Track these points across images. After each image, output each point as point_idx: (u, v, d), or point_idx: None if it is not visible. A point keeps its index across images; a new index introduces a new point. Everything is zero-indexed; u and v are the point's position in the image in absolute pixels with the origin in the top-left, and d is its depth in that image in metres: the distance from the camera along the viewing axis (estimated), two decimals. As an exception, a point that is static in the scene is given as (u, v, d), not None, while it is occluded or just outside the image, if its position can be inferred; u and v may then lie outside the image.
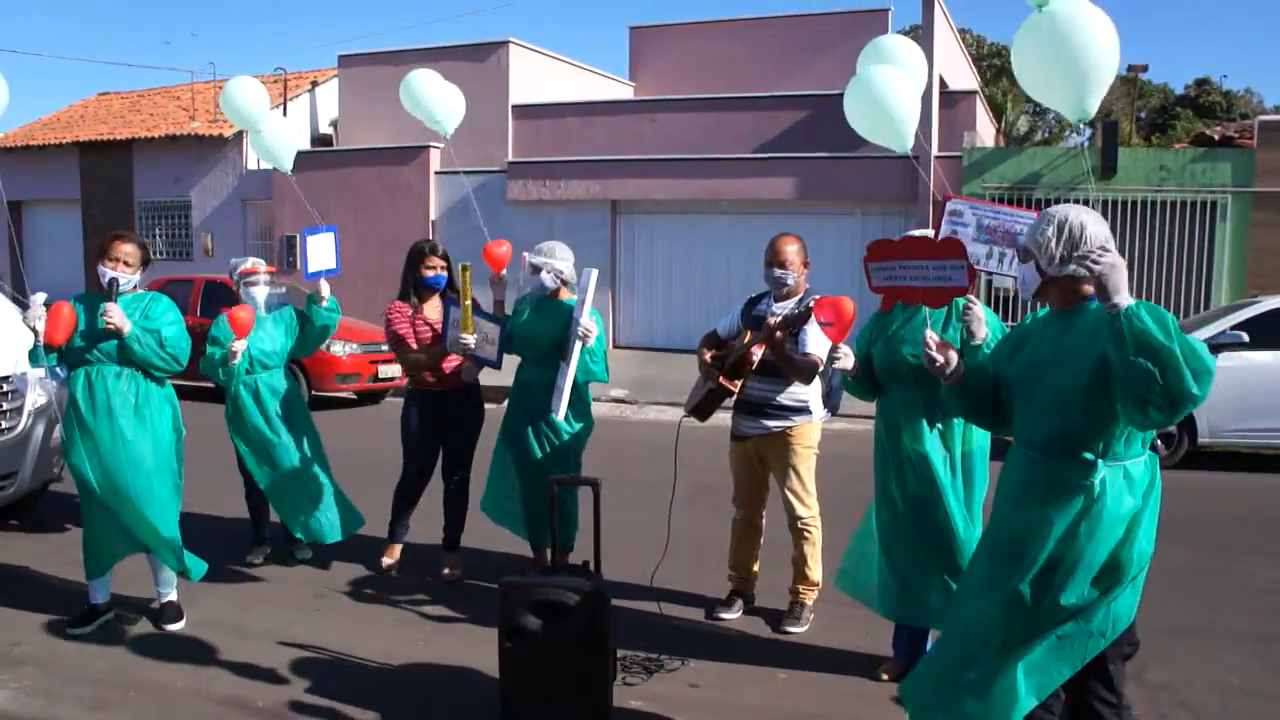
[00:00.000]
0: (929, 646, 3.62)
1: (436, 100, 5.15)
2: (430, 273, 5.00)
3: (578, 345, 4.46)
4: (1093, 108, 3.03)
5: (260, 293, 5.08)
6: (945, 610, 3.31)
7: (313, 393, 10.38)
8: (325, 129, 18.86)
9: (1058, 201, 9.18)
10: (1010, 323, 8.47)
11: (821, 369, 4.09)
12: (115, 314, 4.04)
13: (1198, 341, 2.29)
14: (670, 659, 3.99)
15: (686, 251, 15.01)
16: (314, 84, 18.75)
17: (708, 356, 4.35)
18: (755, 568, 4.57)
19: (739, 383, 4.23)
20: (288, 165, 5.14)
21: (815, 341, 4.02)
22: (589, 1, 75.97)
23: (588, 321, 4.45)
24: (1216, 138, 13.87)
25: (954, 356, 2.84)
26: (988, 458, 3.72)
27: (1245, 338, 8.01)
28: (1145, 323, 2.25)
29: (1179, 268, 12.64)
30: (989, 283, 10.65)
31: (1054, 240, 2.54)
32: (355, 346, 10.82)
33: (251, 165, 17.44)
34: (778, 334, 3.90)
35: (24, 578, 5.01)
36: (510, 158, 15.98)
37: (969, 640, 2.65)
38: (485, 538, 5.33)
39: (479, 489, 5.06)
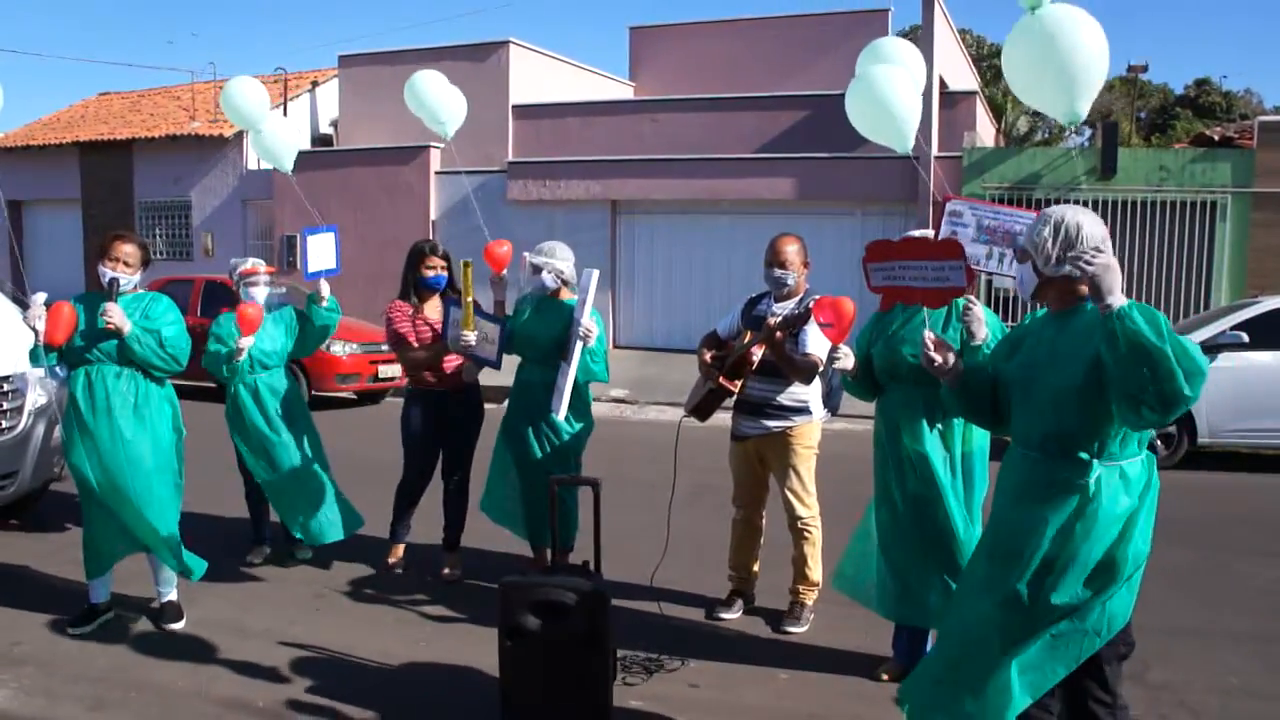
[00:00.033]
0: (929, 646, 3.63)
1: (441, 101, 5.17)
2: (430, 273, 5.00)
3: (579, 345, 4.46)
4: (1083, 111, 3.04)
5: (260, 293, 5.07)
6: (945, 610, 3.31)
7: (313, 393, 10.39)
8: (325, 129, 18.86)
9: (1058, 202, 9.17)
10: (1010, 323, 8.48)
11: (821, 369, 4.09)
12: (115, 314, 4.04)
13: (1190, 342, 2.30)
14: (670, 659, 3.99)
15: (687, 251, 15.01)
16: (314, 84, 18.75)
17: (708, 357, 4.35)
18: (755, 568, 4.57)
19: (739, 383, 4.23)
20: (288, 165, 5.14)
21: (815, 342, 4.02)
22: (589, 1, 76.07)
23: (589, 321, 4.44)
24: (1216, 138, 13.89)
25: (952, 356, 2.85)
26: (987, 458, 3.72)
27: (1245, 338, 8.02)
28: (1137, 323, 2.26)
29: (1179, 268, 12.64)
30: (989, 283, 10.65)
31: (1050, 240, 2.54)
32: (355, 346, 10.83)
33: (252, 165, 17.44)
34: (778, 334, 3.91)
35: (24, 577, 5.01)
36: (510, 158, 15.98)
37: (968, 640, 2.66)
38: (485, 538, 5.33)
39: (479, 489, 5.06)
